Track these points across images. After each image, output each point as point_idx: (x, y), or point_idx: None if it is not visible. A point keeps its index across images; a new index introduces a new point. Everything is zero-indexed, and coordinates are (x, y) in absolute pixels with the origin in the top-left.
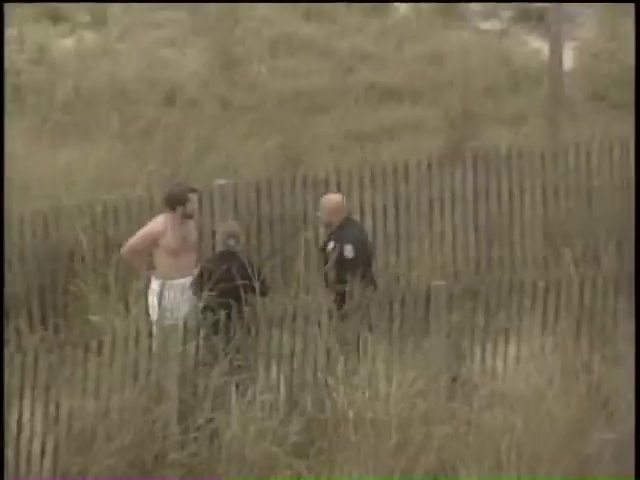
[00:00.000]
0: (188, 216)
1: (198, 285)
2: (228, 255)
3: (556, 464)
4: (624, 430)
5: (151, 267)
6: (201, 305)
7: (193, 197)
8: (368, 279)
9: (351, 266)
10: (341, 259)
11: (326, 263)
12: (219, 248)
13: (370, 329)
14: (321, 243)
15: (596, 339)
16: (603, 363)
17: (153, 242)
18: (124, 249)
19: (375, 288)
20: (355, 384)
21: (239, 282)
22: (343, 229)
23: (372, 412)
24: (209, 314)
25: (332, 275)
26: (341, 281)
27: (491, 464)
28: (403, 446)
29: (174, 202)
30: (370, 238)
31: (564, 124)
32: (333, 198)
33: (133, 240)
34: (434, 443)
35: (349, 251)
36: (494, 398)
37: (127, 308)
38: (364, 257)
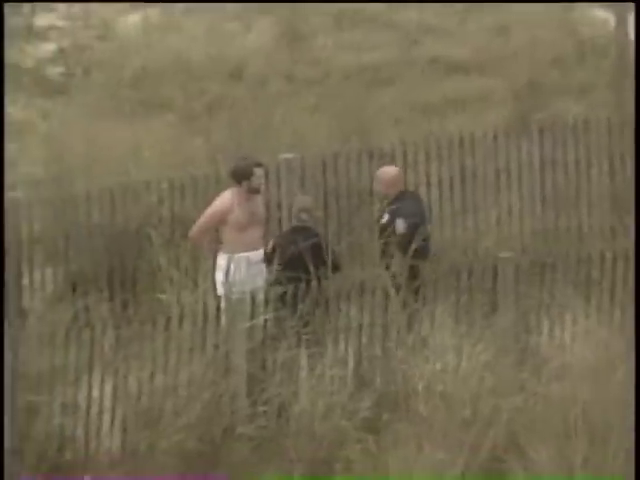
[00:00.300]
0: (254, 190)
1: (270, 259)
2: (301, 230)
3: (623, 435)
4: None
5: (217, 242)
6: (272, 279)
7: (259, 171)
8: (422, 253)
9: (402, 240)
10: (393, 233)
11: (381, 236)
12: (293, 222)
13: (437, 302)
14: (376, 216)
15: None
16: None
17: (222, 219)
18: (193, 231)
19: (425, 260)
20: (425, 356)
21: (311, 257)
22: (398, 202)
23: (442, 385)
24: (279, 288)
25: (385, 248)
26: (392, 255)
27: (559, 436)
28: (472, 419)
29: (240, 176)
30: (433, 211)
31: (631, 94)
32: (389, 171)
33: (201, 220)
34: (503, 416)
35: (400, 225)
36: (562, 370)
37: (196, 284)
38: (417, 231)
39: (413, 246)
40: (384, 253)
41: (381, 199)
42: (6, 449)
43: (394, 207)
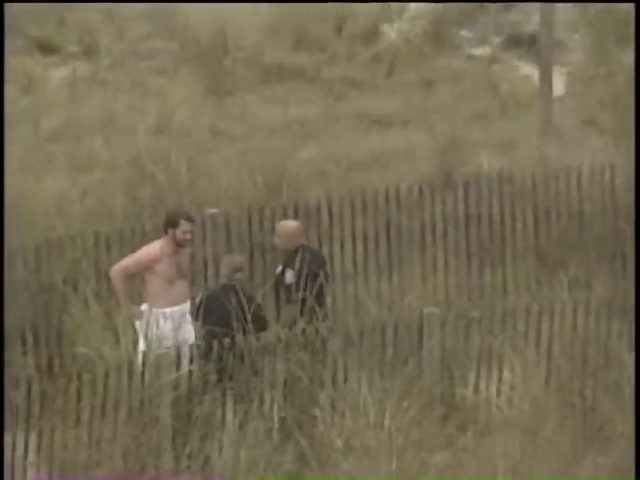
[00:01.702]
0: (179, 242)
1: (198, 315)
2: (231, 288)
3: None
4: (619, 455)
5: (140, 296)
6: (199, 334)
7: (185, 224)
8: (317, 306)
9: (290, 291)
10: (281, 283)
11: (274, 287)
12: (223, 280)
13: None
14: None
15: (590, 364)
16: (597, 389)
17: (147, 266)
18: (116, 268)
19: (326, 316)
20: (343, 412)
21: (240, 316)
22: (294, 255)
23: (364, 440)
24: (205, 343)
25: (275, 298)
26: (278, 305)
27: None
28: (400, 474)
29: (166, 224)
30: (358, 265)
31: (554, 149)
32: (288, 224)
33: (127, 260)
34: (431, 470)
35: (289, 277)
36: (491, 425)
37: (118, 339)
38: (307, 284)
39: (300, 295)
40: (277, 303)
41: (281, 252)
42: None
43: (289, 259)
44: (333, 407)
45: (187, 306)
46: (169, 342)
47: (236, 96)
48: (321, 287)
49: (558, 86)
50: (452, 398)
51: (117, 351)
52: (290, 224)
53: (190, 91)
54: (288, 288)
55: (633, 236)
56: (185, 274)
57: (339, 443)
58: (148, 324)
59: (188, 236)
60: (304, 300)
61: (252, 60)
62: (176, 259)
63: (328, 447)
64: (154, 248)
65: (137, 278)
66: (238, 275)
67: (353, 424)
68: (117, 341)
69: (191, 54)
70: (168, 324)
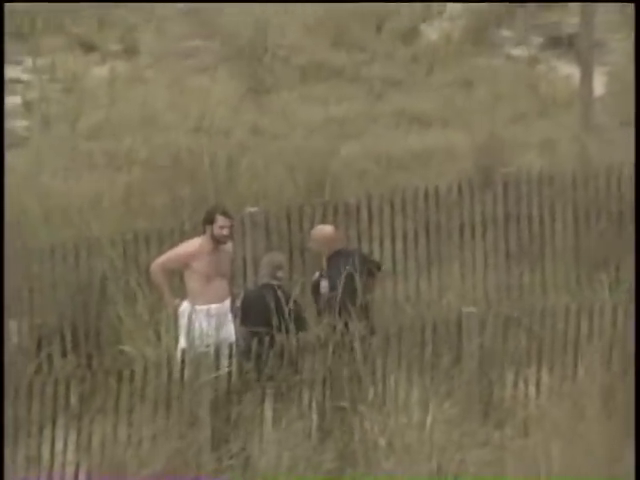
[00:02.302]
0: (216, 237)
1: (237, 314)
2: (271, 287)
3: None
4: None
5: (181, 294)
6: (240, 333)
7: (222, 220)
8: (355, 306)
9: (325, 300)
10: (318, 290)
11: (312, 294)
12: (265, 279)
13: (401, 355)
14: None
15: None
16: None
17: (186, 262)
18: (155, 264)
19: (368, 322)
20: (387, 411)
21: (279, 316)
22: (329, 262)
23: (405, 439)
24: (245, 342)
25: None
26: (319, 314)
27: None
28: (439, 473)
29: (204, 220)
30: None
31: (594, 149)
32: (324, 230)
33: (165, 256)
34: (470, 469)
35: (324, 287)
36: (529, 424)
37: (159, 337)
38: (343, 293)
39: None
40: (318, 311)
41: (315, 257)
42: None
43: (324, 267)
44: (374, 406)
45: (227, 304)
46: (210, 340)
47: (276, 95)
48: (359, 287)
49: (598, 86)
50: (491, 397)
51: (158, 349)
52: (325, 229)
53: (230, 89)
54: (323, 296)
55: None
56: (225, 273)
57: (382, 442)
58: (190, 321)
59: (225, 232)
60: (342, 302)
61: (292, 59)
62: (215, 257)
63: (369, 446)
64: (193, 245)
65: (176, 276)
66: (278, 274)
67: (395, 423)
68: (159, 339)
69: (231, 53)
70: (209, 322)
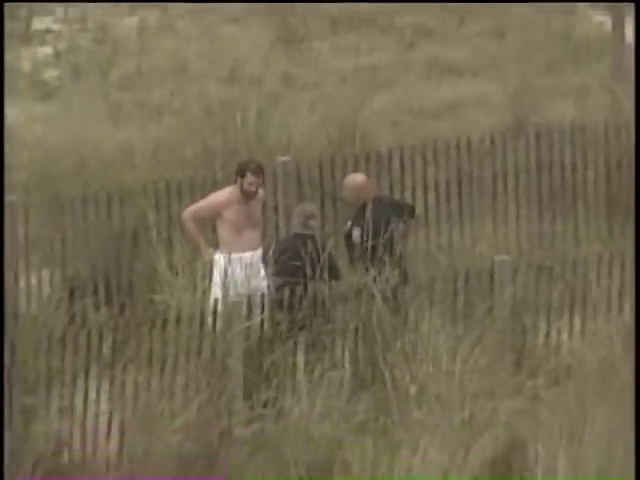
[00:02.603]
0: (245, 191)
1: (269, 264)
2: (303, 237)
3: (627, 437)
4: None
5: (213, 244)
6: (272, 283)
7: (251, 177)
8: (388, 256)
9: (358, 250)
10: (350, 239)
11: (345, 244)
12: (297, 229)
13: (433, 304)
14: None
15: None
16: None
17: (217, 210)
18: (186, 212)
19: (401, 271)
20: (419, 359)
21: (312, 265)
22: (361, 211)
23: (436, 387)
24: (278, 291)
25: (350, 256)
26: (350, 257)
27: (563, 439)
28: (470, 421)
29: (236, 172)
30: (430, 214)
31: (627, 98)
32: (356, 178)
33: (197, 205)
34: (501, 418)
35: (356, 235)
36: (561, 372)
37: (193, 286)
38: (376, 241)
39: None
40: (351, 261)
41: (347, 206)
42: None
43: (356, 216)
44: (406, 355)
45: (259, 253)
46: (243, 289)
47: (307, 44)
48: (393, 236)
49: (630, 34)
50: (523, 345)
51: (192, 299)
52: (357, 177)
53: (261, 39)
54: (355, 246)
55: None
56: (256, 222)
57: (413, 390)
58: (224, 270)
59: (253, 188)
60: (374, 250)
61: (323, 8)
62: (246, 206)
63: (401, 395)
64: (224, 194)
65: (208, 227)
66: (311, 223)
67: (426, 371)
68: (192, 288)
69: (262, 2)
70: (239, 270)
